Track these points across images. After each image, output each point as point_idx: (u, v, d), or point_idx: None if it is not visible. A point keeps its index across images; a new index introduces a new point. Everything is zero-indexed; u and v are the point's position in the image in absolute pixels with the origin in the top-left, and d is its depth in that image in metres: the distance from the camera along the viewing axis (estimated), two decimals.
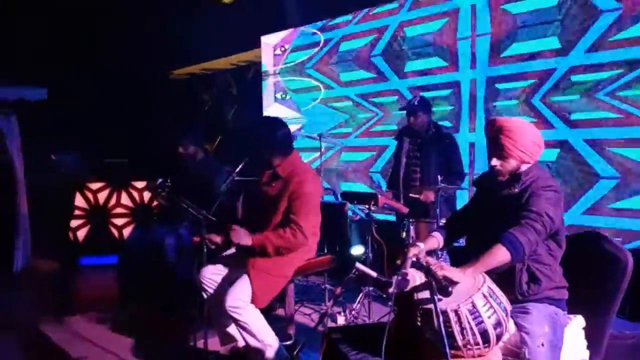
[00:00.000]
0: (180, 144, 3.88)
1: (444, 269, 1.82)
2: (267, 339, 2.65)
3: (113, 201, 6.00)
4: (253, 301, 2.64)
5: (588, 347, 2.05)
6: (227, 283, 2.77)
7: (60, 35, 7.13)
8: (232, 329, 2.92)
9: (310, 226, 2.80)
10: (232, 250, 2.97)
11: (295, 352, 2.63)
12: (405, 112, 3.94)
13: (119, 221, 6.00)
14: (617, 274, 2.06)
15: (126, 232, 5.94)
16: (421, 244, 2.16)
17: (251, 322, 2.62)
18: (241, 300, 2.61)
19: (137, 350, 3.30)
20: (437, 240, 2.26)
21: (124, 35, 7.27)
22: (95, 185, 5.95)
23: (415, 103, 3.86)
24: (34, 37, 6.91)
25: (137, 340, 3.42)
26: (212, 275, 2.88)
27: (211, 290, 2.87)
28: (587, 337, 2.06)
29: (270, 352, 2.64)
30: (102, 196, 5.97)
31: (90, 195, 5.93)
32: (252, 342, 2.64)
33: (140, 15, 7.09)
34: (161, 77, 8.32)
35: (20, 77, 6.62)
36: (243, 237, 2.66)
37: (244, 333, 2.64)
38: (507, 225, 1.93)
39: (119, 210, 6.01)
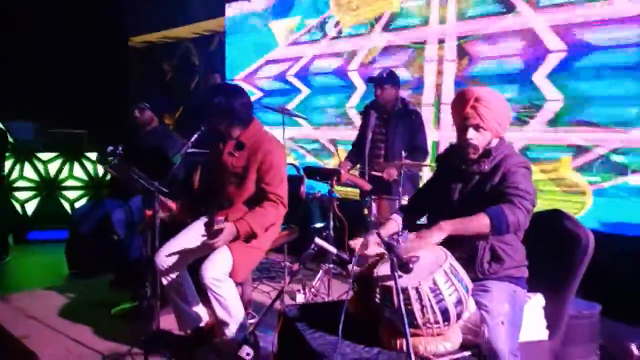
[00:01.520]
0: (137, 107, 3.65)
1: (411, 236, 1.77)
2: (238, 314, 2.56)
3: (65, 173, 5.71)
4: (232, 274, 2.54)
5: (547, 327, 2.03)
6: (199, 259, 2.64)
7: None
8: (198, 309, 2.82)
9: (286, 196, 2.70)
10: (195, 227, 2.82)
11: (251, 330, 2.54)
12: (372, 84, 3.85)
13: (71, 194, 5.73)
14: (578, 253, 2.04)
15: (78, 206, 5.67)
16: (382, 232, 2.06)
17: (228, 296, 2.52)
18: (222, 272, 2.50)
19: (84, 329, 3.15)
20: (396, 223, 2.16)
21: None
22: (46, 156, 5.65)
23: (384, 75, 3.77)
24: None
25: (84, 320, 3.26)
26: (172, 257, 2.70)
27: (170, 273, 2.71)
28: (546, 316, 2.04)
29: (235, 327, 2.55)
30: (53, 167, 5.68)
31: (40, 166, 5.63)
32: (223, 316, 2.54)
33: None
34: (120, 44, 7.95)
35: None
36: (230, 234, 2.51)
37: (217, 307, 2.53)
38: (479, 203, 1.85)
39: (71, 182, 5.73)
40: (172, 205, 2.74)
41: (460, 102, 1.98)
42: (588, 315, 2.36)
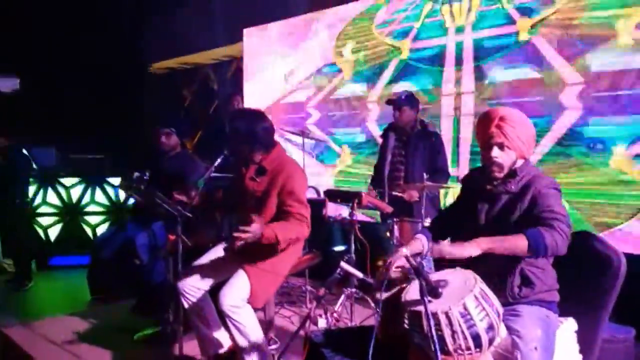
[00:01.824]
0: (163, 132, 3.68)
1: (446, 245, 1.72)
2: (257, 340, 2.54)
3: (87, 198, 5.79)
4: (250, 301, 2.53)
5: (580, 351, 1.97)
6: (220, 284, 2.62)
7: (36, 24, 6.90)
8: (219, 334, 2.80)
9: (309, 217, 2.67)
10: (216, 251, 2.83)
11: (277, 357, 2.51)
12: (392, 106, 3.86)
13: (93, 219, 5.80)
14: (609, 275, 1.98)
15: (100, 231, 5.74)
16: (405, 249, 1.98)
17: (246, 323, 2.50)
18: (240, 299, 2.49)
19: (106, 354, 3.14)
20: (421, 242, 2.10)
21: (102, 25, 7.07)
22: (69, 181, 5.74)
23: (402, 97, 3.78)
24: (6, 24, 6.66)
25: (107, 346, 3.26)
26: (194, 281, 2.71)
27: (193, 298, 2.71)
28: (579, 340, 1.98)
29: (255, 354, 2.52)
30: (75, 192, 5.76)
31: (63, 192, 5.71)
32: (243, 343, 2.52)
33: (120, 6, 6.89)
34: (140, 70, 8.12)
35: None
36: (257, 231, 2.39)
37: (236, 334, 2.51)
38: (508, 224, 1.83)
39: (93, 208, 5.80)
40: (183, 198, 2.75)
41: (485, 121, 1.98)
42: (622, 339, 2.30)
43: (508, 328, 1.82)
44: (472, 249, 1.74)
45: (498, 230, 1.82)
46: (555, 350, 1.87)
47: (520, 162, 1.98)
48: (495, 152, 1.94)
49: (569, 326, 1.99)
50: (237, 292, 2.50)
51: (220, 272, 2.75)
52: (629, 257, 2.04)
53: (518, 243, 1.74)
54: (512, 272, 1.89)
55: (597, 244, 2.08)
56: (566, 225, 1.78)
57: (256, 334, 2.54)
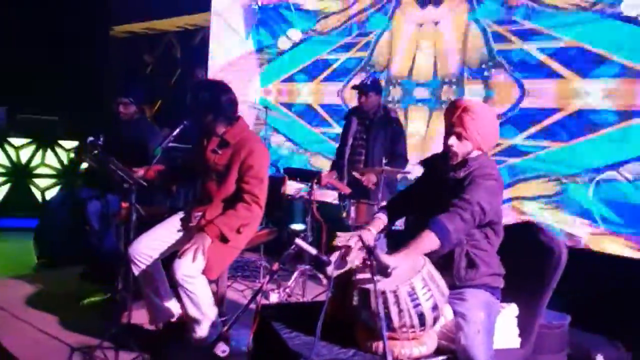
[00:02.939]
0: (121, 102, 3.56)
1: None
2: (209, 311, 2.55)
3: (37, 160, 5.57)
4: (205, 272, 2.52)
5: (519, 335, 2.08)
6: (173, 254, 2.61)
7: None
8: (169, 303, 2.79)
9: (263, 196, 2.70)
10: (171, 221, 2.80)
11: (225, 329, 2.53)
12: (356, 90, 3.87)
13: (43, 182, 5.59)
14: (551, 265, 2.08)
15: (49, 194, 5.55)
16: (373, 229, 2.12)
17: (199, 293, 2.50)
18: (195, 269, 2.48)
19: (53, 320, 3.08)
20: (382, 221, 2.21)
21: None
22: (18, 142, 5.50)
23: (368, 82, 3.80)
24: None
25: (53, 311, 3.19)
26: (146, 249, 2.68)
27: (144, 265, 2.68)
28: (519, 325, 2.09)
29: (207, 325, 2.54)
30: (25, 154, 5.53)
31: (12, 152, 5.48)
32: (195, 313, 2.52)
33: None
34: (101, 33, 7.80)
35: None
36: (201, 241, 2.50)
37: (188, 304, 2.51)
38: (444, 209, 1.91)
39: (43, 170, 5.60)
40: (141, 172, 2.72)
41: (450, 109, 2.05)
42: (558, 325, 2.43)
43: (454, 311, 1.90)
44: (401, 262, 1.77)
45: (440, 214, 1.89)
46: (496, 333, 1.97)
47: (475, 153, 2.05)
48: (452, 140, 2.01)
49: (510, 311, 2.09)
50: (192, 263, 2.49)
51: (174, 243, 2.73)
52: (568, 248, 2.15)
53: (430, 240, 1.83)
54: (458, 254, 1.97)
55: (541, 235, 2.18)
56: (468, 212, 1.88)
57: (208, 305, 2.55)
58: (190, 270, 2.47)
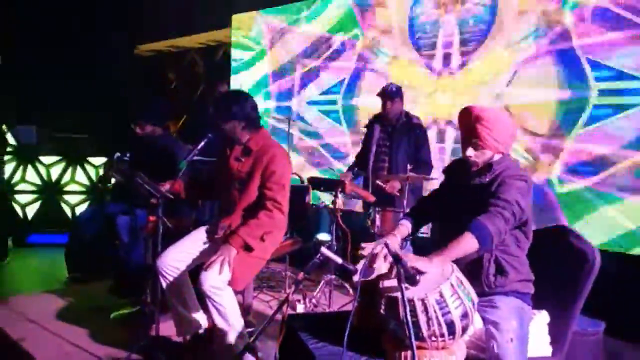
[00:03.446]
0: (136, 124, 3.61)
1: (411, 259, 1.73)
2: (236, 323, 2.55)
3: (67, 177, 5.71)
4: (231, 283, 2.53)
5: (551, 343, 2.02)
6: (200, 266, 2.62)
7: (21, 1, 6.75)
8: (197, 315, 2.80)
9: (286, 203, 2.70)
10: (197, 234, 2.82)
11: (252, 339, 2.52)
12: (380, 97, 3.86)
13: (73, 198, 5.73)
14: (583, 270, 2.02)
15: (79, 210, 5.67)
16: (397, 235, 2.11)
17: (227, 305, 2.51)
18: (221, 281, 2.49)
19: (83, 333, 3.12)
20: (407, 228, 2.19)
21: (90, 4, 6.94)
22: (49, 160, 5.66)
23: (394, 89, 3.79)
24: None
25: (83, 324, 3.24)
26: (174, 261, 2.70)
27: (171, 278, 2.70)
28: (551, 332, 2.02)
29: (234, 336, 2.53)
30: (55, 171, 5.68)
31: (42, 170, 5.63)
32: (222, 324, 2.53)
33: None
34: (127, 52, 7.99)
35: None
36: (227, 253, 2.52)
37: (215, 315, 2.52)
38: (476, 215, 1.87)
39: (73, 187, 5.73)
40: (166, 186, 2.73)
41: (462, 118, 2.03)
42: (592, 332, 2.34)
43: (484, 319, 1.86)
44: (433, 268, 1.73)
45: (467, 221, 1.86)
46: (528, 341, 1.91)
47: (497, 157, 2.02)
48: (469, 151, 1.99)
49: (541, 318, 2.03)
50: (218, 274, 2.49)
51: (200, 255, 2.75)
52: (601, 253, 2.08)
53: (468, 242, 1.80)
54: (487, 261, 1.93)
55: (574, 239, 2.12)
56: (508, 211, 1.85)
57: (235, 316, 2.55)
58: (216, 281, 2.48)
